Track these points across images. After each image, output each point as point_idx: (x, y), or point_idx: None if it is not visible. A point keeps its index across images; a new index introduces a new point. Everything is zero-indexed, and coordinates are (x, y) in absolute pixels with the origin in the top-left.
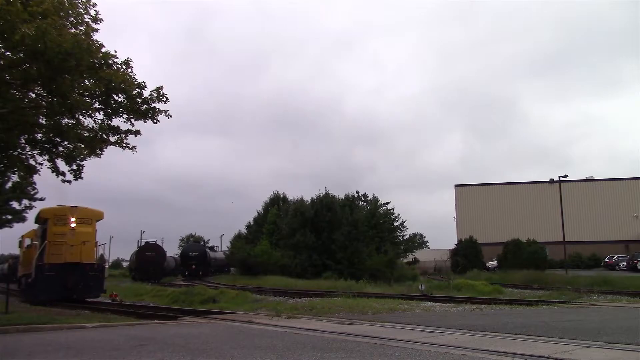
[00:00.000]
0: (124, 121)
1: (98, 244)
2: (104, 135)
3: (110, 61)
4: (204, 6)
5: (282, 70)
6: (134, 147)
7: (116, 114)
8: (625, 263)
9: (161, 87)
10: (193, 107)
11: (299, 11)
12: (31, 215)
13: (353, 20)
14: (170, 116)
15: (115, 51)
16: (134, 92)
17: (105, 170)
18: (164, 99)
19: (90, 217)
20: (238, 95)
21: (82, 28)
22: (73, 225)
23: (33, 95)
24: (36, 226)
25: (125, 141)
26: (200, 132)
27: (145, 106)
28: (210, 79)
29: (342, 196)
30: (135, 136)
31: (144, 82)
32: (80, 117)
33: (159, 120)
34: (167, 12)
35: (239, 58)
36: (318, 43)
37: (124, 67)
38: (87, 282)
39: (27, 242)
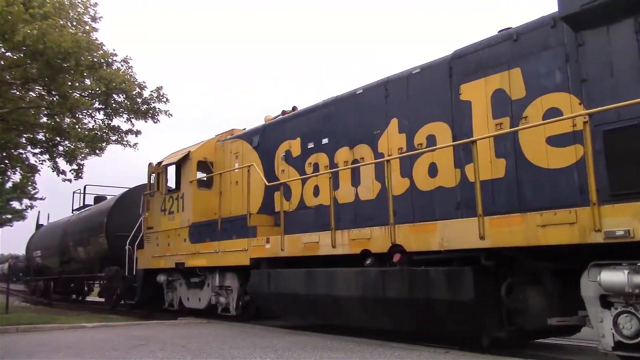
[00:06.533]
0: (125, 121)
1: None
2: (104, 135)
3: (110, 60)
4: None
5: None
6: (136, 144)
7: (117, 113)
8: None
9: (161, 87)
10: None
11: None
12: (32, 214)
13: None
14: (171, 115)
15: (114, 50)
16: (134, 92)
17: (102, 170)
18: (164, 99)
19: None
20: (227, 102)
21: (82, 27)
22: None
23: (34, 95)
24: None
25: (126, 139)
26: (190, 130)
27: (145, 106)
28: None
29: None
30: (136, 136)
31: (143, 82)
32: (81, 117)
33: (159, 120)
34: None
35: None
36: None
37: (124, 65)
38: None
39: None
